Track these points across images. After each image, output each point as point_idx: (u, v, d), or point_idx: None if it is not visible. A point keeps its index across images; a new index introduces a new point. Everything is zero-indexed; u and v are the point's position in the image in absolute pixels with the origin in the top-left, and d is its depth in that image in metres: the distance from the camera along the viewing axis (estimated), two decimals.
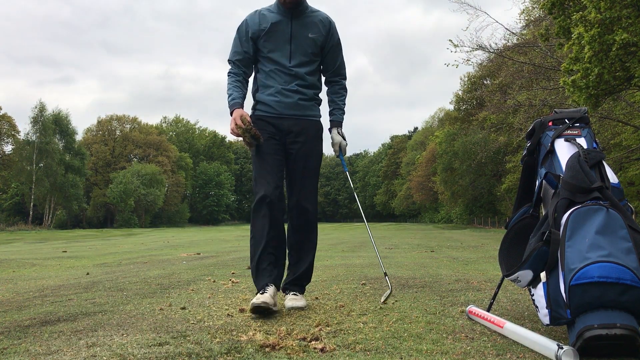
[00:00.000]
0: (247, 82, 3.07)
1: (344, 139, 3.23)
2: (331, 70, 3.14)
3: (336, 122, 3.22)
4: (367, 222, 3.36)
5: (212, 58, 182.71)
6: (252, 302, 2.60)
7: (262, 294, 2.67)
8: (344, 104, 3.24)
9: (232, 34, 3.03)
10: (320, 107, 3.16)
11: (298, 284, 3.00)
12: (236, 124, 2.81)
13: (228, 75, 3.02)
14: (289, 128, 2.97)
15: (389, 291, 2.68)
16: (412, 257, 6.93)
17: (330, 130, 3.23)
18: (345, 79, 3.23)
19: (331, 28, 3.03)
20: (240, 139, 2.90)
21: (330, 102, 3.22)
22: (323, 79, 3.20)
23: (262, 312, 2.61)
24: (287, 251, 3.02)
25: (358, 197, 3.40)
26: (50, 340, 2.19)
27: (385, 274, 2.85)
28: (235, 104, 2.90)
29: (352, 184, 3.38)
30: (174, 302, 3.16)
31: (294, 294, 2.94)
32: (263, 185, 2.84)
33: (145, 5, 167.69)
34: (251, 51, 2.98)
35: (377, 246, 3.36)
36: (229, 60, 3.04)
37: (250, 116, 3.00)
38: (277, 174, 2.89)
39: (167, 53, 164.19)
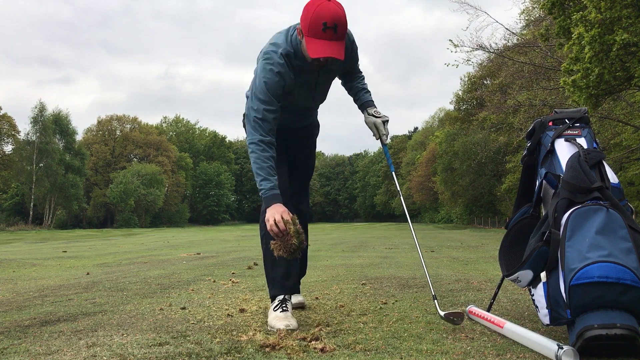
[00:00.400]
0: None
1: (378, 116, 2.73)
2: (350, 73, 2.87)
3: (366, 103, 2.80)
4: (411, 223, 2.88)
5: (213, 58, 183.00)
6: (277, 327, 2.30)
7: (283, 311, 2.44)
8: (366, 85, 2.87)
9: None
10: None
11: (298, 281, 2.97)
12: (284, 219, 2.25)
13: (257, 144, 2.37)
14: (295, 134, 2.84)
15: (443, 317, 2.30)
16: (412, 257, 6.93)
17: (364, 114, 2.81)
18: (358, 65, 2.92)
19: (352, 47, 2.67)
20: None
21: (349, 89, 2.88)
22: None
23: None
24: None
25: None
26: (50, 340, 2.19)
27: (435, 298, 2.45)
28: (276, 196, 2.35)
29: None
30: (174, 302, 3.16)
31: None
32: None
33: (145, 5, 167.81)
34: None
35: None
36: (259, 118, 2.38)
37: None
38: (281, 172, 2.66)
39: (167, 53, 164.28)
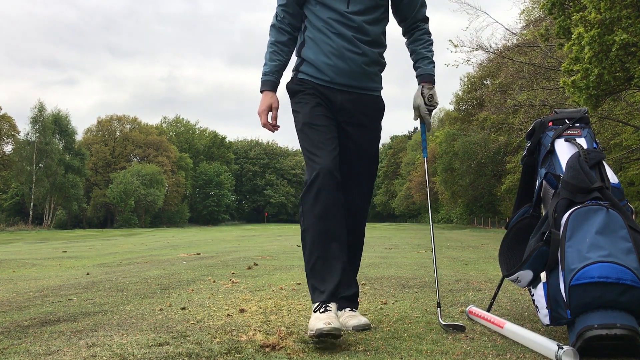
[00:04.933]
0: (294, 40, 2.36)
1: (426, 100, 2.36)
2: (410, 16, 2.42)
3: (424, 77, 2.38)
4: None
5: (215, 60, 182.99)
6: (316, 327, 1.93)
7: (322, 312, 2.04)
8: (431, 53, 2.44)
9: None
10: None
11: (353, 299, 2.46)
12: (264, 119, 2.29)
13: (269, 34, 2.37)
14: (342, 104, 2.28)
15: (442, 326, 2.26)
16: (412, 257, 6.93)
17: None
18: (427, 22, 2.48)
19: None
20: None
21: (411, 53, 2.46)
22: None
23: (327, 340, 1.97)
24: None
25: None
26: (50, 340, 2.19)
27: (439, 305, 2.34)
28: (267, 82, 2.31)
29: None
30: (174, 302, 3.16)
31: (352, 310, 2.41)
32: (321, 156, 2.15)
33: (150, 8, 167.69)
34: None
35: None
36: (275, 14, 2.36)
37: (293, 78, 2.37)
38: (334, 145, 2.22)
39: (170, 55, 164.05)
